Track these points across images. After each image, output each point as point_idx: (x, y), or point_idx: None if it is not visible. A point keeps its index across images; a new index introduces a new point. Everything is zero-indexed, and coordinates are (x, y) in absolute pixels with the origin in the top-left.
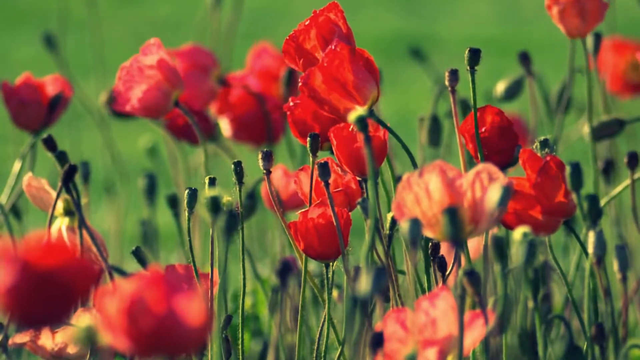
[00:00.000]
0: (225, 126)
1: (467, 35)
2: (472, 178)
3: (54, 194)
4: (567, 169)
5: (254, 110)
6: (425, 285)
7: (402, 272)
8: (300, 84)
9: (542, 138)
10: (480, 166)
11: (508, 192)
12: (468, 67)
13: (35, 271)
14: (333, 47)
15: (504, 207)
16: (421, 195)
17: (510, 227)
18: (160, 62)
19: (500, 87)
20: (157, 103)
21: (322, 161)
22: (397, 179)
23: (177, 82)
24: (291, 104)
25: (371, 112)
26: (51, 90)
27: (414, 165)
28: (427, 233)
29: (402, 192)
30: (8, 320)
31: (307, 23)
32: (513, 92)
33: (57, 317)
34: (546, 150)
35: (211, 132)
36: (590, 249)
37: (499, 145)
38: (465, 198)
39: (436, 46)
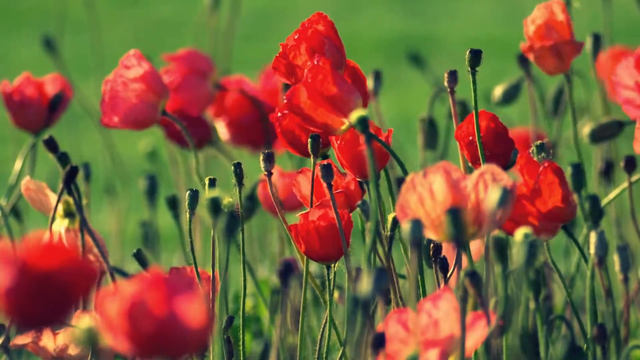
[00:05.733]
0: (222, 130)
1: (467, 36)
2: (475, 179)
3: (52, 196)
4: (569, 170)
5: (251, 113)
6: (420, 287)
7: (403, 277)
8: (284, 101)
9: (538, 142)
10: (484, 167)
11: (509, 194)
12: (469, 69)
13: (33, 272)
14: (315, 62)
15: (506, 209)
16: (425, 196)
17: (509, 233)
18: (144, 75)
19: (498, 91)
20: (144, 116)
21: (324, 163)
22: (397, 181)
23: (163, 92)
24: (279, 114)
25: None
26: (51, 89)
27: (404, 171)
28: (430, 235)
29: (405, 194)
30: (10, 321)
31: (296, 37)
32: (510, 95)
33: (56, 319)
34: (542, 154)
35: (209, 137)
36: (592, 249)
37: (494, 149)
38: (469, 199)
39: (437, 47)
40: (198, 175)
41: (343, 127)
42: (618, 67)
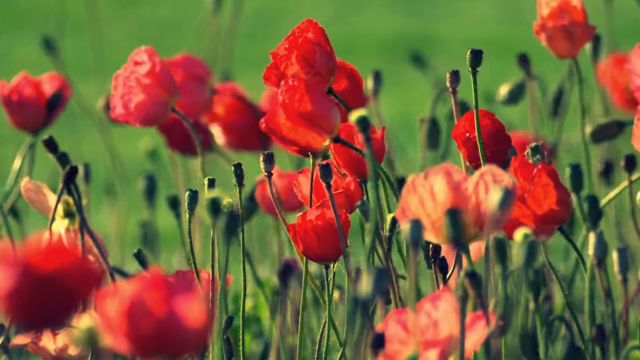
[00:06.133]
0: (217, 134)
1: (469, 36)
2: (476, 180)
3: (51, 196)
4: (568, 171)
5: (246, 118)
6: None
7: (403, 277)
8: (263, 126)
9: (533, 144)
10: (485, 168)
11: (509, 194)
12: (470, 69)
13: (36, 274)
14: (290, 83)
15: (507, 209)
16: (425, 197)
17: (506, 235)
18: (157, 71)
19: (503, 91)
20: (155, 112)
21: (324, 163)
22: (398, 180)
23: (174, 90)
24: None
25: (338, 138)
26: (48, 89)
27: (389, 182)
28: (431, 236)
29: (406, 195)
30: (10, 322)
31: (286, 46)
32: (515, 95)
33: (58, 321)
34: (537, 157)
35: (208, 142)
36: (591, 250)
37: (492, 147)
38: (470, 201)
39: (438, 47)
40: (203, 172)
41: (325, 144)
42: (632, 54)
